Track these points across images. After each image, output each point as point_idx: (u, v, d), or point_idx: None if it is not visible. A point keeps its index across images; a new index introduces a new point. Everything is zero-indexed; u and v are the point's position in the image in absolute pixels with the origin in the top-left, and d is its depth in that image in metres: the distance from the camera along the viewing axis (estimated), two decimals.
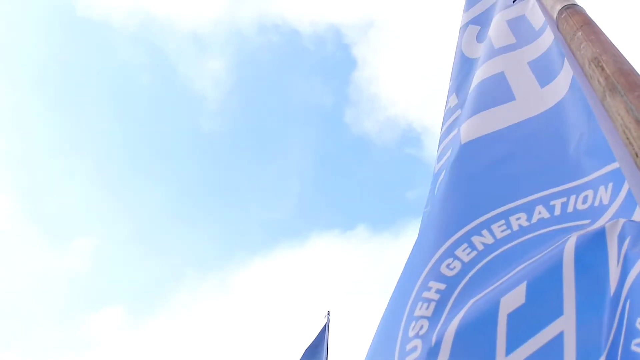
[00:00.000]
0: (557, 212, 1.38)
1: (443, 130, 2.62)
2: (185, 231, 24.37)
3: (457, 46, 2.91)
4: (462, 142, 1.95)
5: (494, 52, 2.39)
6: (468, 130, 2.02)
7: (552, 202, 1.42)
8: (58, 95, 23.11)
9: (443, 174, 2.14)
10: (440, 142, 2.68)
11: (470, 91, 2.28)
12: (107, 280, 23.73)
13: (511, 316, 1.20)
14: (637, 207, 1.15)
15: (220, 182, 24.61)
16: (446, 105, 2.75)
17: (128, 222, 24.61)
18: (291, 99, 23.48)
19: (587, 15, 1.67)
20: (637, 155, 1.05)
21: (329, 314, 7.12)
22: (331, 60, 23.68)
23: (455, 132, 2.41)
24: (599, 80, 1.33)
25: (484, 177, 1.81)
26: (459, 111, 2.57)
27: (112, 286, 24.23)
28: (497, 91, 2.13)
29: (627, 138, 1.12)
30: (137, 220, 24.61)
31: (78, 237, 23.03)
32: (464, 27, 2.89)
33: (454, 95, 2.71)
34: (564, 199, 1.39)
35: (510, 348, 1.16)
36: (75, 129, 23.82)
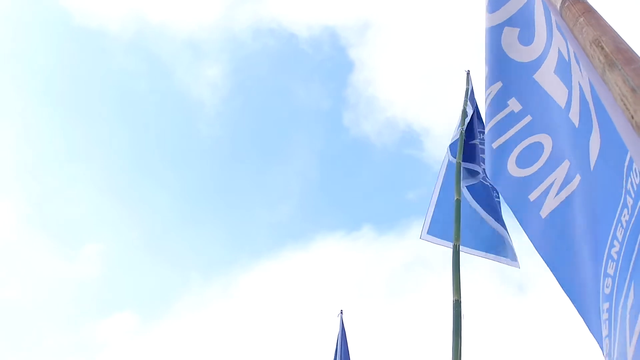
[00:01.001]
0: None
1: (512, 133, 2.63)
2: (191, 235, 24.60)
3: (493, 48, 2.91)
4: None
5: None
6: None
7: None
8: (59, 104, 23.52)
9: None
10: (512, 144, 2.65)
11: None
12: (116, 286, 23.96)
13: None
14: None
15: (222, 187, 24.86)
16: (502, 108, 2.77)
17: (135, 227, 24.88)
18: (289, 102, 23.68)
19: (588, 3, 1.82)
20: (632, 118, 1.19)
21: (342, 312, 7.22)
22: (328, 63, 23.87)
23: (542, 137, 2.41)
24: (599, 59, 1.48)
25: None
26: (529, 117, 2.61)
27: (121, 291, 24.46)
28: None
29: (624, 104, 1.26)
30: (144, 226, 24.87)
31: (87, 244, 23.33)
32: (498, 29, 2.90)
33: (513, 99, 2.72)
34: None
35: None
36: (78, 136, 24.18)
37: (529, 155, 2.49)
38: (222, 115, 23.46)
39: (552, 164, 2.34)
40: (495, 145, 2.74)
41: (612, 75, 1.37)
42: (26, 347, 19.50)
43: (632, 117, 1.19)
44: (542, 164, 2.41)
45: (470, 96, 6.18)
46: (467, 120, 5.84)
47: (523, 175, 2.50)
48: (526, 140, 2.54)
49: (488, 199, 5.42)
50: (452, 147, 5.90)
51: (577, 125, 2.11)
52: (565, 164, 2.25)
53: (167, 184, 24.51)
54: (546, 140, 2.42)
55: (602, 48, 1.50)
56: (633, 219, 1.60)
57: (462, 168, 5.40)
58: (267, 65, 23.72)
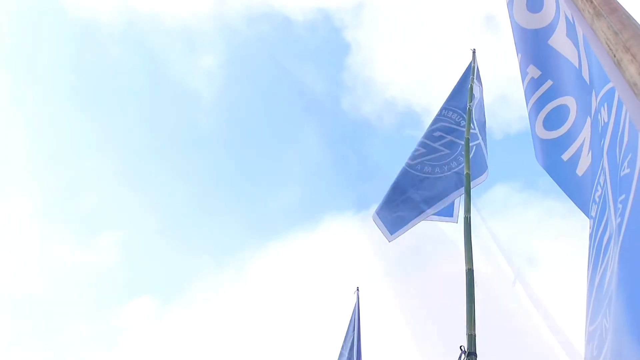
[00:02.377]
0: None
1: (535, 99, 2.73)
2: (203, 221, 24.94)
3: (510, 20, 3.02)
4: None
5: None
6: None
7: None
8: (66, 99, 23.84)
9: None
10: (536, 110, 2.75)
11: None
12: (134, 272, 24.37)
13: None
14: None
15: (228, 174, 25.07)
16: (524, 77, 2.88)
17: (149, 215, 25.28)
18: (287, 88, 23.65)
19: None
20: (614, 56, 1.35)
21: (358, 289, 7.39)
22: (324, 46, 23.77)
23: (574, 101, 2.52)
24: (588, 11, 1.64)
25: None
26: (549, 81, 2.72)
27: (139, 277, 24.91)
28: None
29: (608, 46, 1.42)
30: (157, 214, 25.27)
31: (104, 233, 23.78)
32: (510, 3, 3.00)
33: (531, 66, 2.82)
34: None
35: None
36: (87, 130, 24.54)
37: (557, 118, 2.60)
38: (220, 103, 23.59)
39: (579, 124, 2.45)
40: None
41: (599, 23, 1.53)
42: (49, 336, 19.99)
43: (614, 56, 1.35)
44: (570, 125, 2.51)
45: (477, 75, 6.31)
46: (476, 98, 5.98)
47: (553, 137, 2.61)
48: (550, 103, 2.65)
49: None
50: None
51: (588, 82, 2.24)
52: (588, 122, 2.37)
53: (178, 172, 24.81)
54: (570, 102, 2.53)
55: (591, 2, 1.65)
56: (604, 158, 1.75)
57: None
58: (262, 51, 23.67)
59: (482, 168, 5.84)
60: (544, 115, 2.72)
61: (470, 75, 6.18)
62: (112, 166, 24.23)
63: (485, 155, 5.88)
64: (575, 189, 2.46)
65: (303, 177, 24.27)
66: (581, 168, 2.40)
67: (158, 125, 24.27)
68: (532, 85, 2.81)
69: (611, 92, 1.72)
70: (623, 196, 1.45)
